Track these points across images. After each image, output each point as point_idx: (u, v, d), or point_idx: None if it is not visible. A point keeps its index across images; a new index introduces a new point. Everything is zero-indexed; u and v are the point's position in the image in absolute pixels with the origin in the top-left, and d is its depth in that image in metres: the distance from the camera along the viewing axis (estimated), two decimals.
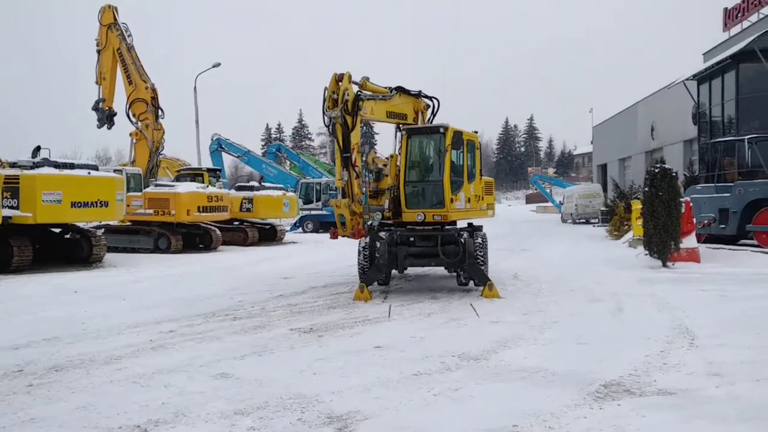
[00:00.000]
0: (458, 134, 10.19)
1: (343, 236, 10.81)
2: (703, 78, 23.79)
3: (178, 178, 24.42)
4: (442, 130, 10.36)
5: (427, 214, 10.42)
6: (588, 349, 6.34)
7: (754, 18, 23.26)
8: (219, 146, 39.41)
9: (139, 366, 6.00)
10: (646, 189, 12.79)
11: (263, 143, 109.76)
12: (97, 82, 22.37)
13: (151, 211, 20.05)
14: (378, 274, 10.25)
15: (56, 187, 14.60)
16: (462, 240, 9.80)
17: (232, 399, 4.92)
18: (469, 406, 4.66)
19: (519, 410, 4.49)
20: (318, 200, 36.27)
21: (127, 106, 21.93)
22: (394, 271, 10.96)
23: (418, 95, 11.85)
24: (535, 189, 73.54)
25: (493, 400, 4.77)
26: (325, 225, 35.68)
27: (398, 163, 11.45)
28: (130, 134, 22.21)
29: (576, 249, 19.57)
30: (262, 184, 26.08)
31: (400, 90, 11.46)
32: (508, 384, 5.18)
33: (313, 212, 35.56)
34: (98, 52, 22.17)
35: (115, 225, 20.15)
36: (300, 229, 36.01)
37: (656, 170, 12.64)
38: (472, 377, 5.38)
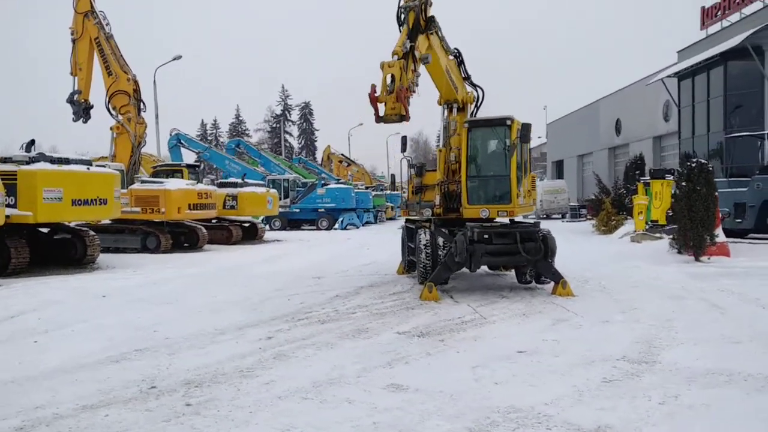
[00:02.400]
0: (526, 127, 9.87)
1: (382, 102, 9.13)
2: (684, 75, 24.50)
3: (155, 175, 23.22)
4: (508, 122, 10.05)
5: (491, 210, 10.09)
6: (747, 348, 6.16)
7: (733, 18, 24.05)
8: (178, 141, 37.88)
9: (287, 379, 5.39)
10: (683, 184, 12.84)
11: (199, 138, 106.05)
12: (72, 73, 20.82)
13: (138, 209, 18.86)
14: (447, 272, 9.82)
15: (57, 183, 13.45)
16: (540, 236, 9.50)
17: (444, 415, 4.44)
18: (723, 417, 4.32)
19: None
20: (286, 197, 35.30)
21: (107, 98, 20.58)
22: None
23: (467, 78, 11.42)
24: None
25: (739, 410, 4.45)
26: (293, 222, 34.90)
27: (449, 158, 11.08)
28: (111, 128, 20.83)
29: (576, 245, 19.60)
30: (245, 180, 25.10)
31: (458, 55, 11.16)
32: (721, 390, 4.89)
33: (280, 209, 34.60)
34: (73, 41, 20.64)
35: (97, 224, 18.87)
36: (267, 227, 35.00)
37: (693, 165, 12.70)
38: (672, 383, 5.07)
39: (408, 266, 12.29)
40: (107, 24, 20.55)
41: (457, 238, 9.31)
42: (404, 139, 11.61)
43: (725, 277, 10.97)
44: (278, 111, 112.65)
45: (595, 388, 5.00)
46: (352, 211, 34.46)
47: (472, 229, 9.29)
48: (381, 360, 5.99)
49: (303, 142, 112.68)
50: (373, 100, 9.14)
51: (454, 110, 11.27)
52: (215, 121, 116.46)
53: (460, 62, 11.25)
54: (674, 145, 30.35)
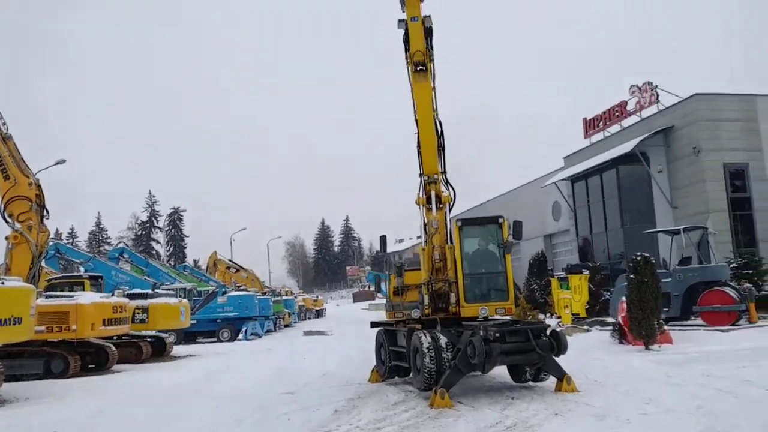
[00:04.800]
0: (518, 224, 10.14)
1: None
2: (577, 178, 26.84)
3: (51, 288, 20.87)
4: (500, 220, 10.30)
5: (489, 308, 10.05)
6: None
7: (613, 129, 27.02)
8: (57, 252, 34.77)
9: None
10: (631, 276, 13.63)
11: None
12: None
13: (43, 327, 16.63)
14: (458, 376, 9.42)
15: None
16: (549, 333, 9.50)
17: None
18: None
19: None
20: None
21: (2, 205, 18.51)
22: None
23: (444, 172, 11.35)
24: (370, 286, 74.83)
25: None
26: (189, 336, 32.39)
27: (434, 257, 10.99)
28: (6, 237, 18.61)
29: None
30: (156, 291, 23.28)
31: (439, 133, 11.22)
32: None
33: None
34: None
35: None
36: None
37: (639, 259, 13.57)
38: None
39: (389, 372, 11.69)
40: (3, 123, 18.86)
41: (473, 338, 9.04)
42: (383, 238, 11.45)
43: (693, 363, 11.55)
44: (144, 217, 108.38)
45: None
46: (254, 320, 32.85)
47: (486, 329, 9.10)
48: None
49: (171, 249, 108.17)
50: None
51: (433, 209, 11.25)
52: (72, 229, 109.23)
53: (440, 148, 11.29)
54: (565, 242, 32.74)
